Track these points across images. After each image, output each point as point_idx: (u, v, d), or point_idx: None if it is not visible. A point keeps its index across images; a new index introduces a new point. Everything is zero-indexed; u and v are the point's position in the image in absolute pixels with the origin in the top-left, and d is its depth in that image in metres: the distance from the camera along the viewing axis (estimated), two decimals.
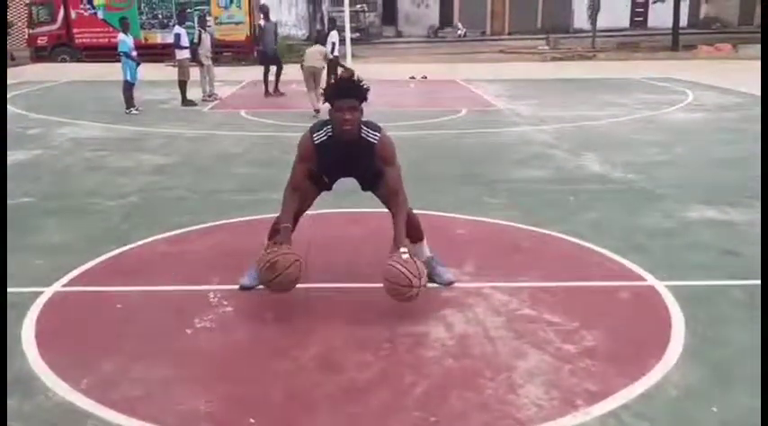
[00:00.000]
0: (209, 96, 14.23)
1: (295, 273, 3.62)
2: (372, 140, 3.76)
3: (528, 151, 8.63)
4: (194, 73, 14.14)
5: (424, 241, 4.19)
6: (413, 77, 19.53)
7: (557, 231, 5.16)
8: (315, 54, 12.63)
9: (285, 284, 3.63)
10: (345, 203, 5.91)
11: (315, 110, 12.13)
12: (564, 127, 10.60)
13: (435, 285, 4.07)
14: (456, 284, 4.11)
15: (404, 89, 16.67)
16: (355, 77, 3.82)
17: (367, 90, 3.72)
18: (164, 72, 19.75)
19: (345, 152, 3.79)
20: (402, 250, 3.63)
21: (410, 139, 9.40)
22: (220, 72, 18.33)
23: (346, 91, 3.69)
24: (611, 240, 4.95)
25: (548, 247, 4.87)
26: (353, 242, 4.95)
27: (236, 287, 4.03)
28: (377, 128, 3.81)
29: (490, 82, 18.04)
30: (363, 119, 3.79)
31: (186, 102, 13.41)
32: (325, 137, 3.78)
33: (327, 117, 3.79)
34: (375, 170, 3.96)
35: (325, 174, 4.01)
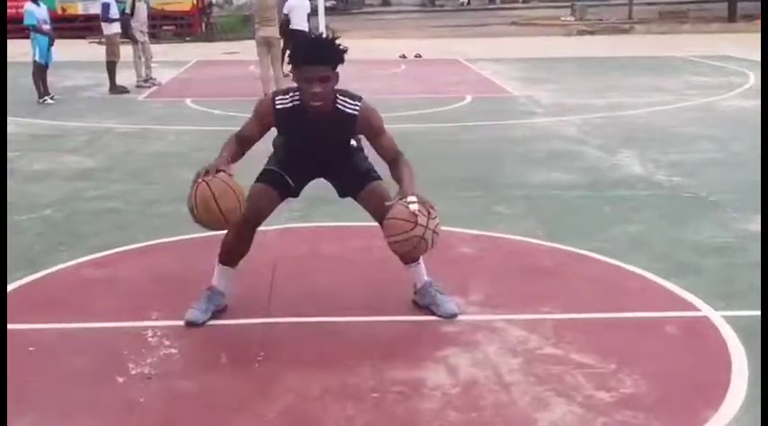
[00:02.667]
0: (146, 81, 14.26)
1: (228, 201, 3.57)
2: (351, 111, 3.81)
3: (549, 148, 8.70)
4: (126, 52, 14.15)
5: (421, 263, 4.21)
6: (403, 56, 19.67)
7: (586, 249, 5.18)
8: (266, 16, 12.60)
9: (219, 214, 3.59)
10: (320, 215, 5.93)
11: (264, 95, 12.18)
12: (594, 117, 10.71)
13: (434, 318, 4.08)
14: (460, 317, 4.12)
15: (392, 72, 16.77)
16: (328, 35, 3.82)
17: (344, 52, 3.74)
18: (87, 51, 19.78)
19: (315, 128, 3.80)
20: (410, 198, 3.66)
21: (400, 135, 9.31)
22: (159, 50, 18.35)
23: (317, 54, 3.68)
24: (653, 260, 4.98)
25: (575, 269, 4.89)
26: (330, 264, 4.95)
27: (181, 322, 4.02)
28: (356, 97, 3.86)
29: (500, 61, 18.19)
30: (338, 87, 3.81)
31: (116, 88, 13.43)
32: (289, 104, 3.81)
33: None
34: (353, 167, 3.98)
35: (290, 174, 4.03)
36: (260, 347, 3.80)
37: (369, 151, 4.16)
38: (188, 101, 12.58)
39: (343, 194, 4.16)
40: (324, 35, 3.84)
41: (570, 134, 9.57)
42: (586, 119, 10.51)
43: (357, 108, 3.82)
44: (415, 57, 19.73)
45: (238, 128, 3.96)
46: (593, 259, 5.03)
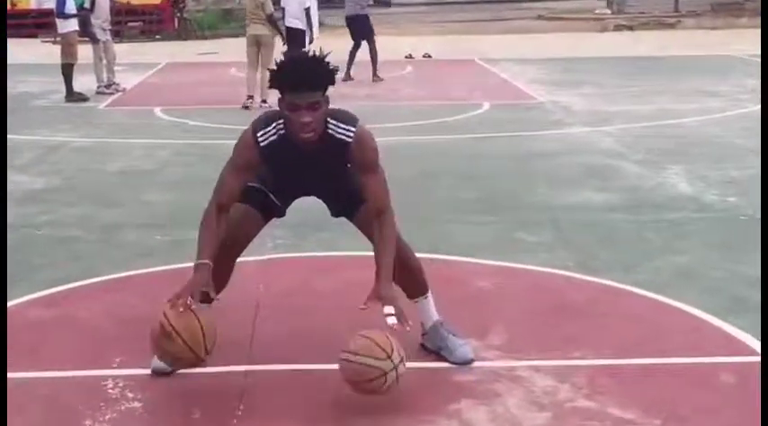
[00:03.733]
0: (108, 87, 14.33)
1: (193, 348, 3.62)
2: (345, 138, 3.78)
3: (582, 164, 8.72)
4: (85, 52, 14.23)
5: (429, 297, 4.21)
6: (410, 57, 19.75)
7: (625, 283, 5.19)
8: (257, 13, 12.76)
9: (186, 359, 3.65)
10: (311, 242, 5.93)
11: (262, 101, 12.27)
12: (634, 127, 10.74)
13: (446, 364, 4.08)
14: (477, 363, 4.11)
15: (397, 74, 16.83)
16: (315, 53, 3.78)
17: (334, 72, 3.74)
18: (40, 51, 19.89)
19: (304, 157, 3.81)
20: (386, 309, 3.64)
21: (407, 148, 9.48)
22: (123, 51, 18.47)
23: (304, 78, 3.66)
24: (704, 294, 4.99)
25: (612, 307, 4.89)
26: (322, 302, 4.95)
27: (147, 371, 4.02)
28: (350, 120, 3.83)
29: (524, 62, 18.27)
30: (330, 107, 3.82)
31: (73, 95, 13.50)
32: (274, 137, 3.79)
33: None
34: (350, 185, 3.99)
35: (275, 192, 4.05)
36: (239, 399, 3.79)
37: None
38: (157, 110, 12.64)
39: (336, 214, 4.16)
40: (311, 54, 3.77)
41: (607, 147, 9.59)
42: (626, 130, 10.53)
43: (351, 134, 3.78)
44: (424, 57, 19.81)
45: (219, 180, 3.86)
46: (633, 294, 5.02)
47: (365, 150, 3.81)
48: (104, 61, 14.33)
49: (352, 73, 15.28)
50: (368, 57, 15.49)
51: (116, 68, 14.72)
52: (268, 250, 5.73)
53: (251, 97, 12.52)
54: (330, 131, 3.77)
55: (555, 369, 4.05)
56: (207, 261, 3.73)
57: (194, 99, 13.71)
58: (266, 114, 3.90)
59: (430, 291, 4.20)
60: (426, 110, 12.41)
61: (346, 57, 14.96)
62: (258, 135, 3.78)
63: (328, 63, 3.71)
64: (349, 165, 3.92)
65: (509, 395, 3.82)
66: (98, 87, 14.20)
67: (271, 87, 3.79)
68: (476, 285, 5.22)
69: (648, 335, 4.44)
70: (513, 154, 9.27)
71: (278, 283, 5.23)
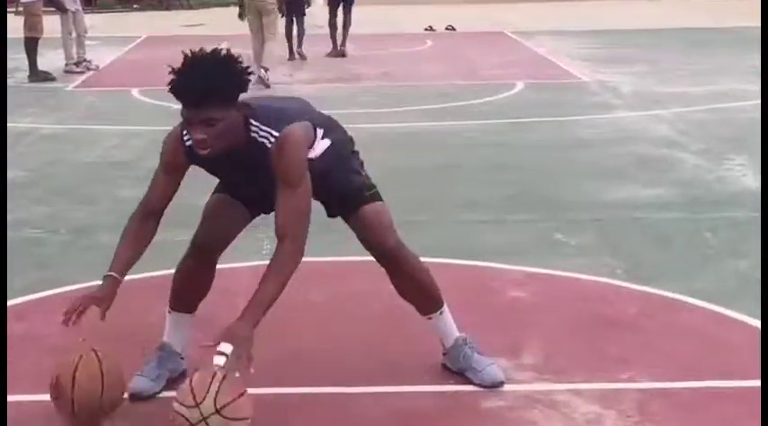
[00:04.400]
0: (77, 64, 14.39)
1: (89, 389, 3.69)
2: (266, 142, 3.69)
3: (632, 154, 8.73)
4: (52, 25, 14.26)
5: (445, 311, 4.21)
6: (431, 29, 19.76)
7: (681, 292, 5.19)
8: None
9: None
10: (313, 246, 5.91)
11: (263, 83, 12.38)
12: (693, 112, 10.74)
13: (471, 387, 4.08)
14: (507, 385, 4.12)
15: (415, 50, 16.84)
16: (223, 56, 3.64)
17: (239, 85, 3.62)
18: None
19: (233, 162, 3.76)
20: (221, 347, 3.46)
21: (428, 135, 9.50)
22: (97, 23, 18.52)
23: (188, 94, 3.56)
24: None
25: (666, 320, 4.89)
26: (325, 315, 4.97)
27: (124, 394, 4.03)
28: (277, 123, 3.70)
29: (563, 35, 18.25)
30: (262, 102, 3.81)
31: (38, 74, 13.55)
32: None
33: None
34: (341, 179, 4.00)
35: (235, 197, 4.05)
36: None
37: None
38: (135, 91, 12.70)
39: (329, 214, 4.17)
40: (213, 59, 3.62)
41: (660, 134, 9.59)
42: (682, 114, 10.53)
43: (272, 139, 3.68)
44: (447, 29, 19.83)
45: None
46: (690, 305, 5.03)
47: (282, 159, 3.66)
48: (74, 35, 14.40)
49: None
50: (373, 30, 15.63)
51: (87, 43, 14.80)
52: (263, 255, 5.73)
53: (266, 69, 12.67)
54: (253, 135, 3.70)
55: (600, 393, 4.05)
56: (113, 273, 3.77)
57: None
58: None
59: (446, 305, 4.20)
60: (450, 91, 12.43)
61: (363, 31, 15.09)
62: (184, 134, 3.75)
63: (232, 71, 3.61)
64: (348, 141, 3.99)
65: (546, 424, 3.82)
66: (67, 65, 14.26)
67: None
68: (508, 294, 5.23)
69: (708, 354, 4.44)
70: (552, 142, 9.29)
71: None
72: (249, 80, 3.69)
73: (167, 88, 3.58)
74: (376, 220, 3.99)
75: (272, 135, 3.68)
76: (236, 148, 3.67)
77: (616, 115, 10.73)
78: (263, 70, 12.61)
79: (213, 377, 3.44)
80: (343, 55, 16.00)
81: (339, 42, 16.03)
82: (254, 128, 3.69)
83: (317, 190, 3.97)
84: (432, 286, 4.15)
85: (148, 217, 3.84)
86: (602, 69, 14.01)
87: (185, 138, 3.74)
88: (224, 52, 3.65)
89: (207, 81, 3.53)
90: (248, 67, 3.70)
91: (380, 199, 4.07)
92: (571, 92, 12.31)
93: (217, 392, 3.41)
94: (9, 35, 16.02)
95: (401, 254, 4.03)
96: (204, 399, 3.41)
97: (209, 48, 3.66)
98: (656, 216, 6.79)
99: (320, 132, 3.87)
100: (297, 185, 3.67)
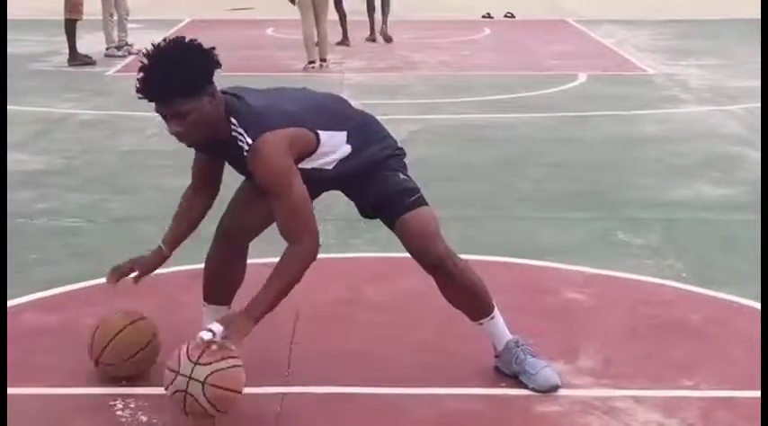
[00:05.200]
0: (119, 48, 14.46)
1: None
2: (244, 146, 3.74)
3: (701, 151, 8.70)
4: (93, 6, 14.36)
5: (496, 316, 4.22)
6: (488, 16, 19.71)
7: (751, 298, 5.16)
8: None
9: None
10: (361, 242, 5.98)
11: (309, 63, 12.44)
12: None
13: (524, 392, 4.10)
14: (563, 390, 4.12)
15: (472, 38, 16.81)
16: (182, 42, 3.70)
17: (202, 71, 3.66)
18: (35, 4, 20.11)
19: (224, 153, 3.91)
20: (213, 325, 3.66)
21: (484, 129, 9.50)
22: (139, 5, 18.64)
23: (149, 89, 3.63)
24: None
25: (735, 326, 4.88)
26: (374, 313, 4.99)
27: (163, 389, 4.06)
28: (252, 127, 3.72)
29: (631, 24, 18.14)
30: (252, 97, 3.83)
31: (78, 58, 13.64)
32: None
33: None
34: (380, 181, 4.03)
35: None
36: (267, 422, 3.86)
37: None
38: None
39: (363, 215, 4.20)
40: (166, 53, 3.67)
41: (730, 131, 9.52)
42: (754, 110, 10.41)
43: (246, 147, 3.73)
44: (506, 17, 19.77)
45: None
46: (758, 312, 4.99)
47: (257, 172, 3.74)
48: (115, 17, 14.47)
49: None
50: (428, 15, 15.55)
51: (129, 26, 14.87)
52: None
53: (312, 63, 12.72)
54: (233, 133, 3.76)
55: (661, 401, 4.05)
56: (161, 245, 4.11)
57: (223, 64, 13.75)
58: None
59: (497, 309, 4.21)
60: (508, 82, 12.40)
61: (413, 17, 15.05)
62: None
63: (192, 62, 3.65)
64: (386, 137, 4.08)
65: None
66: (108, 49, 14.35)
67: None
68: (565, 296, 5.24)
69: None
70: (615, 137, 9.26)
71: (321, 290, 5.25)
72: (214, 68, 3.72)
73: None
74: (419, 229, 3.98)
75: (246, 141, 3.73)
76: (221, 140, 3.76)
77: (684, 110, 10.67)
78: (324, 63, 12.83)
79: (208, 347, 3.62)
80: (388, 40, 15.86)
81: (378, 28, 15.92)
82: (233, 126, 3.76)
83: (339, 187, 4.08)
84: (481, 292, 4.15)
85: (196, 192, 4.08)
86: (670, 61, 13.92)
87: None
88: (185, 41, 3.71)
89: (165, 76, 3.61)
90: (213, 55, 3.73)
91: (425, 204, 4.05)
92: (637, 85, 12.23)
93: (201, 357, 3.62)
94: (46, 16, 16.22)
95: (449, 263, 4.02)
96: (195, 364, 3.60)
97: (170, 40, 3.72)
98: (724, 217, 6.76)
99: (332, 136, 3.90)
100: (281, 194, 3.74)
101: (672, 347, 4.58)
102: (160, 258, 4.11)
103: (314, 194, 3.99)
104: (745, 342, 4.65)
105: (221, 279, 4.25)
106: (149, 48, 3.66)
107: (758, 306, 5.06)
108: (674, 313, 5.02)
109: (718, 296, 5.23)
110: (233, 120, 3.75)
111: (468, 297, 4.12)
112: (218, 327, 3.64)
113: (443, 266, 4.02)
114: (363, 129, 4.03)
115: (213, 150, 3.91)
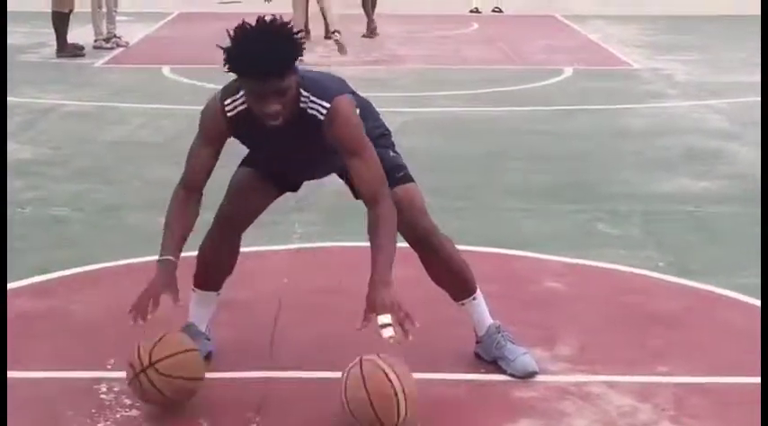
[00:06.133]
0: (107, 40, 14.40)
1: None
2: (318, 115, 3.78)
3: (683, 145, 8.75)
4: None
5: (479, 297, 4.27)
6: (476, 11, 19.72)
7: (727, 287, 5.22)
8: None
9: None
10: (344, 231, 5.94)
11: (332, 32, 12.75)
12: (750, 102, 10.62)
13: (503, 377, 4.15)
14: (540, 376, 4.18)
15: (459, 32, 16.81)
16: (276, 23, 3.69)
17: (297, 46, 3.68)
18: None
19: (281, 135, 3.81)
20: (380, 319, 3.67)
21: (471, 122, 9.56)
22: None
23: (262, 65, 3.58)
24: None
25: (710, 315, 4.94)
26: (356, 301, 4.95)
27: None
28: (325, 92, 3.80)
29: (617, 19, 18.15)
30: (307, 72, 3.86)
31: (66, 49, 13.59)
32: (243, 107, 3.82)
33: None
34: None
35: (268, 175, 4.15)
36: (256, 410, 3.89)
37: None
38: (165, 69, 12.77)
39: (357, 196, 4.20)
40: (269, 26, 3.66)
41: (713, 125, 9.58)
42: (739, 105, 10.49)
43: (324, 111, 3.77)
44: (493, 11, 19.80)
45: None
46: (736, 302, 5.06)
47: (341, 128, 3.78)
48: (104, 9, 14.40)
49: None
50: (416, 10, 15.53)
51: (118, 18, 14.81)
52: (295, 238, 5.84)
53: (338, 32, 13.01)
54: (302, 105, 3.78)
55: (635, 386, 4.09)
56: (170, 257, 3.84)
57: (211, 57, 13.54)
58: (234, 82, 3.86)
59: (479, 291, 4.26)
60: (495, 75, 12.43)
61: (401, 11, 15.03)
62: (226, 103, 3.83)
63: (290, 35, 3.66)
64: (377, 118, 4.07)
65: (578, 416, 3.87)
66: (96, 41, 14.30)
67: (225, 64, 3.68)
68: (545, 284, 5.29)
69: (752, 351, 4.39)
70: (599, 131, 9.32)
71: (305, 278, 5.31)
72: (304, 43, 3.76)
73: (227, 66, 3.63)
74: (408, 202, 4.03)
75: (323, 106, 3.77)
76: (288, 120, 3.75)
77: (668, 104, 10.71)
78: (336, 34, 12.97)
79: (161, 338, 3.77)
80: (374, 33, 15.78)
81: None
82: (303, 99, 3.77)
83: (331, 173, 4.10)
84: (465, 271, 4.21)
85: (191, 192, 3.96)
86: (656, 56, 13.95)
87: (227, 109, 3.82)
88: (275, 18, 3.71)
89: (284, 49, 3.62)
90: (302, 35, 3.76)
91: (412, 180, 4.11)
92: (622, 79, 12.28)
93: (153, 348, 3.71)
94: (34, 8, 16.18)
95: (434, 238, 4.09)
96: (142, 355, 3.72)
97: (264, 18, 3.71)
98: (704, 209, 6.81)
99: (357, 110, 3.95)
100: (363, 151, 3.81)
101: (648, 335, 4.63)
102: (173, 267, 3.85)
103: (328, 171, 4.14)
104: (722, 331, 4.72)
105: (216, 267, 4.24)
106: (250, 23, 3.63)
107: (736, 296, 5.11)
108: (652, 302, 5.06)
109: (694, 285, 5.28)
110: (303, 93, 3.76)
111: (452, 275, 4.17)
112: (385, 318, 3.67)
113: (429, 240, 4.08)
114: (363, 104, 4.09)
115: (264, 134, 3.80)
